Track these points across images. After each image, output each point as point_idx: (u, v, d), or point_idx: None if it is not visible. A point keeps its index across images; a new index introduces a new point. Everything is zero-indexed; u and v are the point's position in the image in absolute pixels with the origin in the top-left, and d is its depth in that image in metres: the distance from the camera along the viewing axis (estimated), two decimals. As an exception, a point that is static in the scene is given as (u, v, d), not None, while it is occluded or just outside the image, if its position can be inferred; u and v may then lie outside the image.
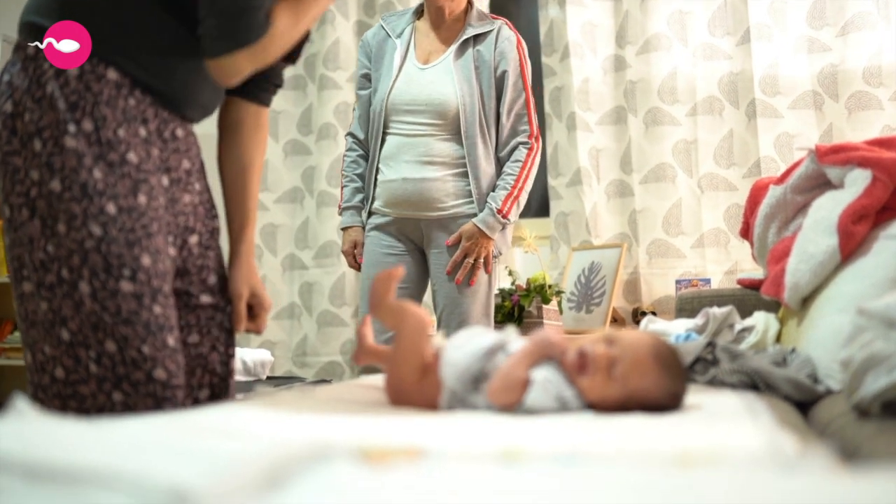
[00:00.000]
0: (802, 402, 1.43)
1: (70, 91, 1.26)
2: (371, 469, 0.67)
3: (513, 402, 1.13)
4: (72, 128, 1.25)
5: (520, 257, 3.36)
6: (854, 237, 1.63)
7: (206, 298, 1.41)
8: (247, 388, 2.00)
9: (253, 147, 1.55)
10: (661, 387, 1.15)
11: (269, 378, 2.51)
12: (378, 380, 1.45)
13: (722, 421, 1.08)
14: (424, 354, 1.25)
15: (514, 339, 1.25)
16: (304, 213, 3.70)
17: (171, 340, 1.29)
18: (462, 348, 1.22)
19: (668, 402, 1.16)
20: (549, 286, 2.94)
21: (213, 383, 1.41)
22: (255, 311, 1.51)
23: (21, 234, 1.27)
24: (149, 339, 1.26)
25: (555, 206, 3.30)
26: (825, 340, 1.53)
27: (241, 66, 1.30)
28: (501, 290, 2.97)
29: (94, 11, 1.29)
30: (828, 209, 1.72)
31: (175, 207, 1.37)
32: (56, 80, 1.26)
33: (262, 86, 1.53)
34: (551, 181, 3.32)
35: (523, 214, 2.50)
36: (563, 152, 3.26)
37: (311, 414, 1.14)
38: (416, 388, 1.23)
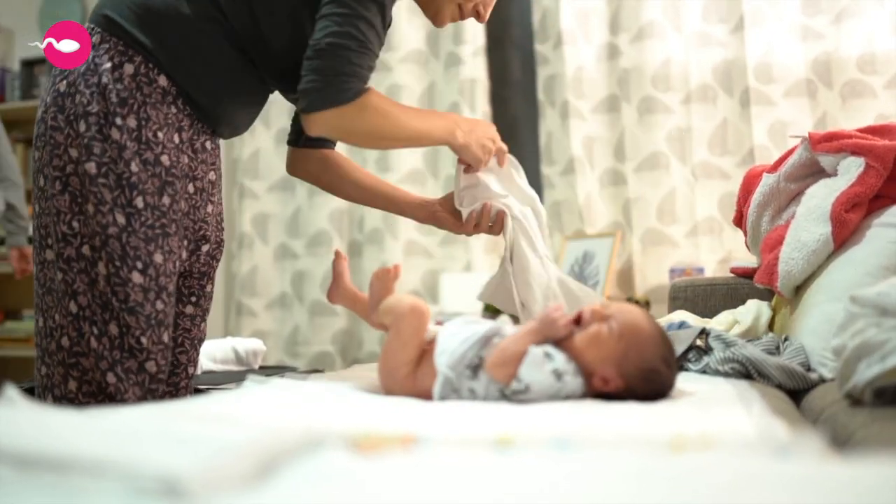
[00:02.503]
0: (795, 390, 1.44)
1: (123, 87, 1.35)
2: (363, 457, 0.67)
3: (509, 375, 1.14)
4: (118, 121, 1.33)
5: (513, 246, 3.35)
6: (847, 225, 1.63)
7: (194, 302, 1.53)
8: (239, 377, 1.99)
9: (346, 162, 1.75)
10: (656, 345, 1.17)
11: (261, 368, 2.50)
12: (370, 369, 1.44)
13: (715, 408, 1.09)
14: (421, 345, 1.24)
15: (509, 328, 1.25)
16: (295, 202, 3.67)
17: (166, 337, 1.37)
18: (456, 336, 1.22)
19: (662, 370, 1.17)
20: (543, 275, 2.94)
21: (177, 381, 1.51)
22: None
23: (50, 205, 1.36)
24: (148, 331, 1.34)
25: (548, 195, 3.29)
26: (818, 328, 1.54)
27: (329, 122, 1.39)
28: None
29: (163, 20, 1.38)
30: (821, 197, 1.71)
31: (196, 214, 1.47)
32: (112, 73, 1.35)
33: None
34: (544, 169, 3.31)
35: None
36: (557, 141, 3.26)
37: (304, 402, 1.14)
38: (409, 377, 1.23)
